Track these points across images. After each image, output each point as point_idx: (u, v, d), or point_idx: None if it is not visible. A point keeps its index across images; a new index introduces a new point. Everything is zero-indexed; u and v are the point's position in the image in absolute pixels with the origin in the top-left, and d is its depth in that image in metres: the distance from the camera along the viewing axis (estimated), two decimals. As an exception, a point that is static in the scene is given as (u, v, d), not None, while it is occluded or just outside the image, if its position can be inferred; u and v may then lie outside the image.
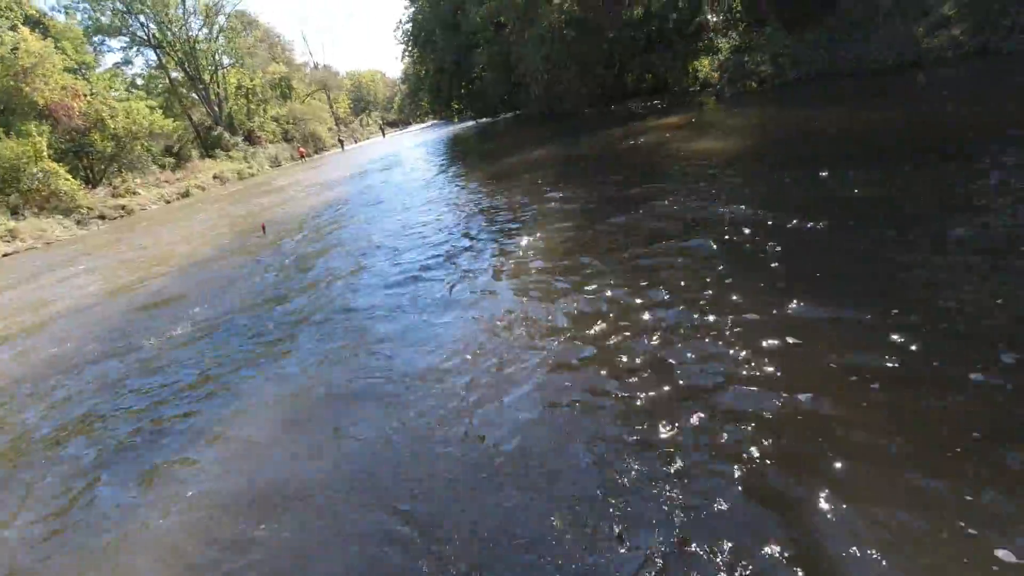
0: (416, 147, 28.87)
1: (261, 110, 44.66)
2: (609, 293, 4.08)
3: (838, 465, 2.11)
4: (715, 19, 18.63)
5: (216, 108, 40.18)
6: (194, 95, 40.01)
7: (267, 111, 45.55)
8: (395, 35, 53.72)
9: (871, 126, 7.80)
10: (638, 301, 3.83)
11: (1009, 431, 2.08)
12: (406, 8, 33.70)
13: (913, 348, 2.64)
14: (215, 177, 32.63)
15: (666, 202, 6.06)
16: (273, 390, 3.97)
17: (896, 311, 2.95)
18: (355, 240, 8.41)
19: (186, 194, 28.93)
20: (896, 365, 2.56)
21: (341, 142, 49.70)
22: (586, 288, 4.27)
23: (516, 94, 25.33)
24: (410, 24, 33.38)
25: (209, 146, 36.81)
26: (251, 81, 43.61)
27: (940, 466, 2.01)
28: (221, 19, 41.17)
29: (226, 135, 38.17)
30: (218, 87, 40.82)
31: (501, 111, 30.76)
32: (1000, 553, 1.68)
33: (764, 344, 2.95)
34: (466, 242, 6.56)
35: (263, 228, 11.07)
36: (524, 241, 6.00)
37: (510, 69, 22.74)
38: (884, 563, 1.72)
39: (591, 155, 11.45)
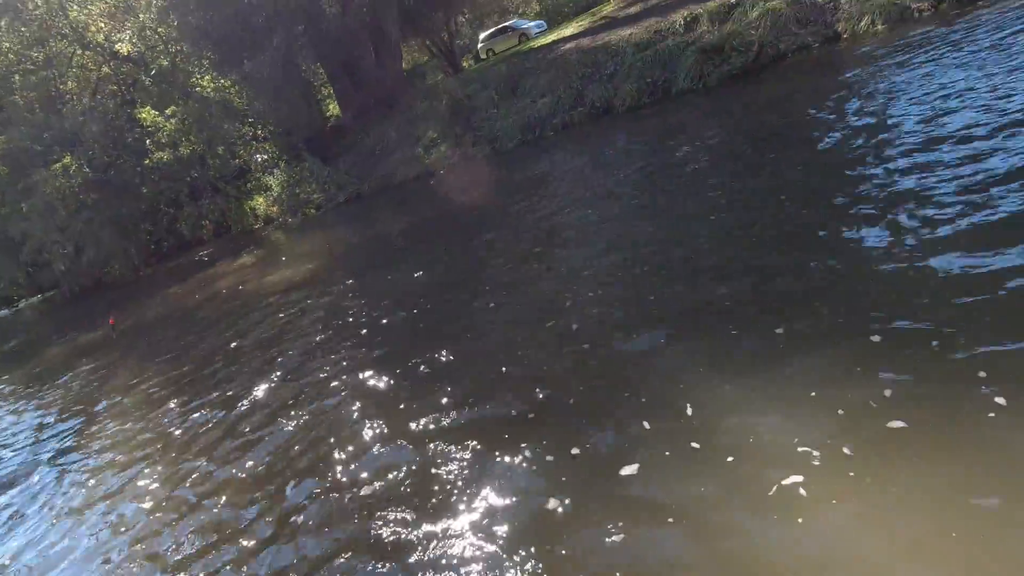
0: None
1: None
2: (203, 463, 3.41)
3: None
4: (260, 159, 19.35)
5: None
6: None
7: None
8: None
9: (413, 225, 9.29)
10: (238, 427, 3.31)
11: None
12: None
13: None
14: None
15: (252, 344, 5.64)
16: None
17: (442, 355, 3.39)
18: None
19: None
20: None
21: None
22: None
23: (38, 273, 20.17)
24: None
25: None
26: None
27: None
28: None
29: None
30: None
31: (20, 297, 23.97)
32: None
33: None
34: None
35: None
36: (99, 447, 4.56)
37: (16, 247, 18.00)
38: None
39: (160, 319, 9.93)
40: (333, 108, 23.76)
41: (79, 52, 17.29)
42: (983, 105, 4.19)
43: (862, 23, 8.46)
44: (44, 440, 5.40)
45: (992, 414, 1.88)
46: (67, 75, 17.01)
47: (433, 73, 26.13)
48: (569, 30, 16.92)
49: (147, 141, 17.57)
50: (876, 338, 2.39)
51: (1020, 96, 4.09)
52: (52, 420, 5.99)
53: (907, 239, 2.98)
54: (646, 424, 2.42)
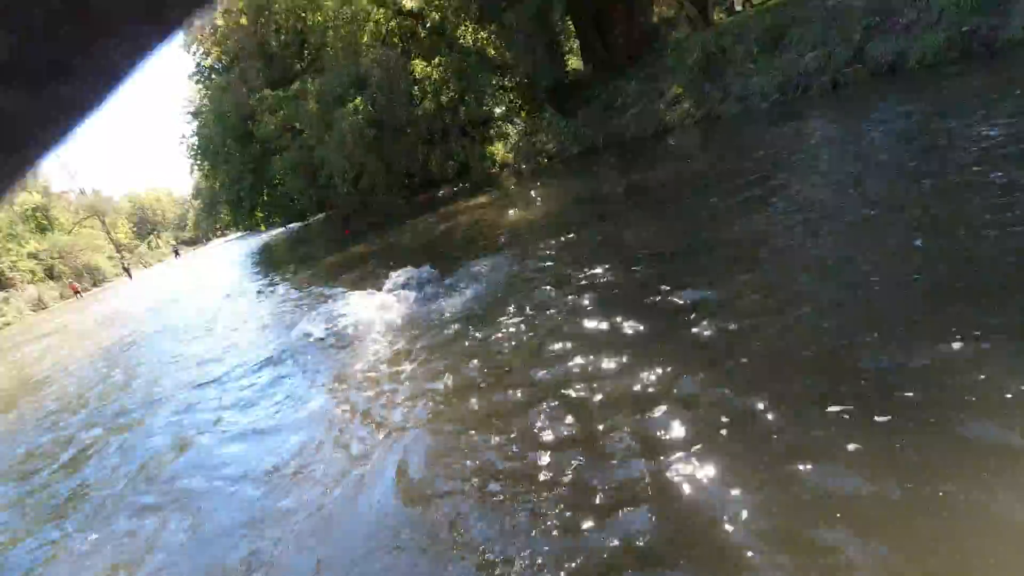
0: (224, 263, 26.66)
1: (13, 248, 37.63)
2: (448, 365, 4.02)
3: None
4: (500, 110, 20.84)
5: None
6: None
7: (21, 247, 38.54)
8: (180, 150, 50.56)
9: (643, 183, 9.19)
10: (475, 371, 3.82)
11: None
12: (188, 123, 31.92)
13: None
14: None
15: (492, 271, 6.31)
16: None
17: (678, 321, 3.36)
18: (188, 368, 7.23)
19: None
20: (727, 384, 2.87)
21: (127, 270, 43.83)
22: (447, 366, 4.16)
23: (325, 195, 25.06)
24: (196, 138, 31.61)
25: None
26: (-11, 216, 36.82)
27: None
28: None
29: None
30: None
31: (311, 213, 30.03)
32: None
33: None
34: (299, 356, 6.03)
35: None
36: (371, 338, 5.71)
37: (314, 172, 22.55)
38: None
39: (412, 243, 11.61)
40: (573, 62, 24.20)
41: (375, 9, 20.35)
42: None
43: None
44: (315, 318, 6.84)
45: None
46: (365, 29, 20.22)
47: (682, 27, 24.72)
48: (858, -29, 14.40)
49: (415, 88, 20.12)
50: None
51: None
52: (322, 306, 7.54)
53: None
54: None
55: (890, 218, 4.02)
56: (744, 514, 1.94)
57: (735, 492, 2.06)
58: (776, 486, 2.02)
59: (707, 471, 2.20)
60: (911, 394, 2.22)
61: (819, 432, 2.20)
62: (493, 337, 4.38)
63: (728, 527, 1.91)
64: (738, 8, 22.28)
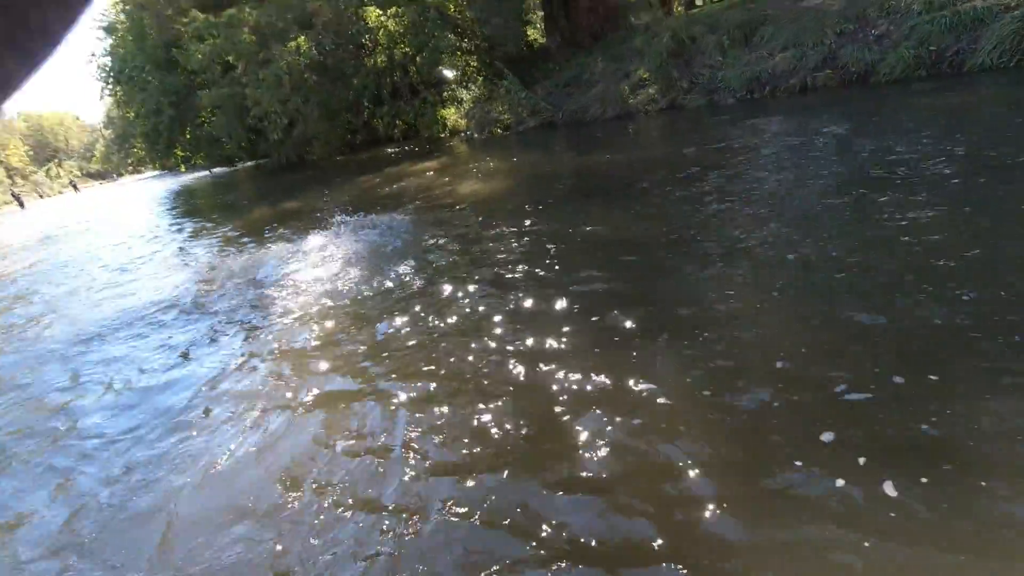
0: (135, 202, 24.09)
1: None
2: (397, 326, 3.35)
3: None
4: (452, 74, 19.69)
5: None
6: None
7: None
8: (89, 70, 45.36)
9: (599, 166, 8.68)
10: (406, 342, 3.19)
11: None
12: (100, 39, 28.14)
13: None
14: None
15: (443, 245, 5.61)
16: None
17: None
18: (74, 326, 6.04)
19: None
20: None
21: (18, 198, 39.06)
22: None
23: (256, 141, 22.94)
24: (109, 58, 28.03)
25: None
26: None
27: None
28: None
29: None
30: None
31: (240, 159, 27.59)
32: None
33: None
34: (208, 316, 5.11)
35: None
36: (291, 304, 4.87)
37: (246, 113, 20.49)
38: None
39: (350, 203, 10.59)
40: (532, 33, 23.29)
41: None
42: None
43: None
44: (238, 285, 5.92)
45: None
46: (314, -39, 18.40)
47: (647, 12, 24.41)
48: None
49: (366, 38, 18.57)
50: None
51: None
52: (255, 265, 6.59)
53: None
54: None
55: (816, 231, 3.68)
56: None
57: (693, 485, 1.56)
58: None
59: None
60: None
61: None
62: (421, 308, 3.77)
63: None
64: (698, 3, 22.14)
